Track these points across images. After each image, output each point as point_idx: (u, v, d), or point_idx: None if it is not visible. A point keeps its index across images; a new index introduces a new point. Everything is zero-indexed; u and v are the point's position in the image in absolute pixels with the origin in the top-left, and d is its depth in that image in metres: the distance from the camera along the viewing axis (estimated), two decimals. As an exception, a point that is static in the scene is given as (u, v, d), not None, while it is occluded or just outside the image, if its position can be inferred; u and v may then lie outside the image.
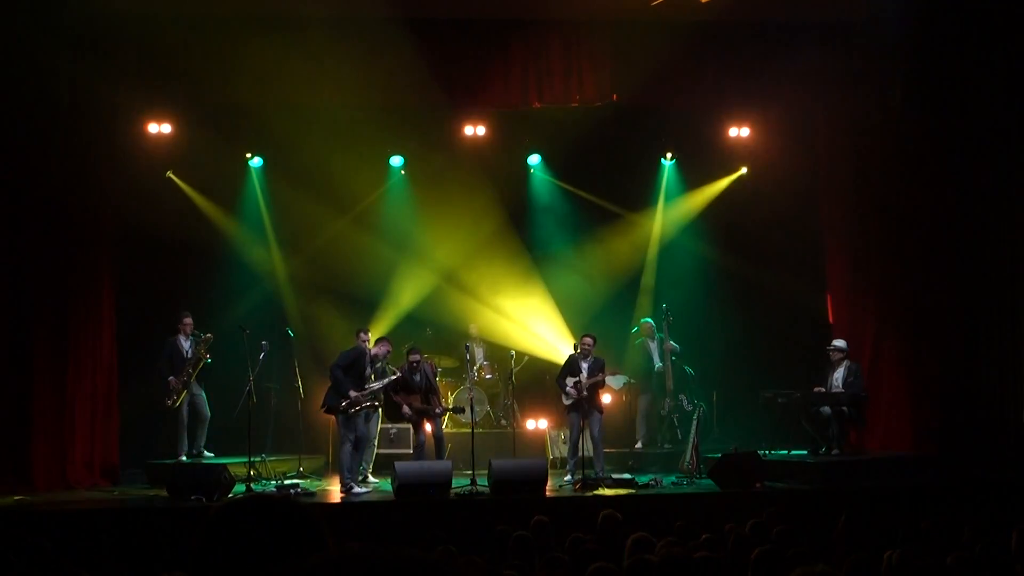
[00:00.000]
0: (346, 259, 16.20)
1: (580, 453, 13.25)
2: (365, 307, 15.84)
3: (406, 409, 13.16)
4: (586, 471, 12.94)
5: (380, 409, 13.60)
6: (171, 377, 14.07)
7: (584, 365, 13.53)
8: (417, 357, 13.50)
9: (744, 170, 16.47)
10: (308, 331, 15.55)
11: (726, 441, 14.64)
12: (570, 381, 13.47)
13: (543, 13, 14.23)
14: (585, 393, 13.35)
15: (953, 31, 14.19)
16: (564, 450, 14.64)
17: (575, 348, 13.75)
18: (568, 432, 13.82)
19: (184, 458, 13.71)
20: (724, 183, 16.57)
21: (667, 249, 16.73)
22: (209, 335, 14.16)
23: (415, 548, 7.92)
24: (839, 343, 14.36)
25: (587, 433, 13.38)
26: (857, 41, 14.79)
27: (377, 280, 16.29)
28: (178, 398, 13.99)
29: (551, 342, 16.25)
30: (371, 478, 13.53)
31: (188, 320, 14.41)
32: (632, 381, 15.33)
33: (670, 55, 14.32)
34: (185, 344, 14.31)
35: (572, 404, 13.47)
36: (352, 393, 12.82)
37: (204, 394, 14.41)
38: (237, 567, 1.91)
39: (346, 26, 14.05)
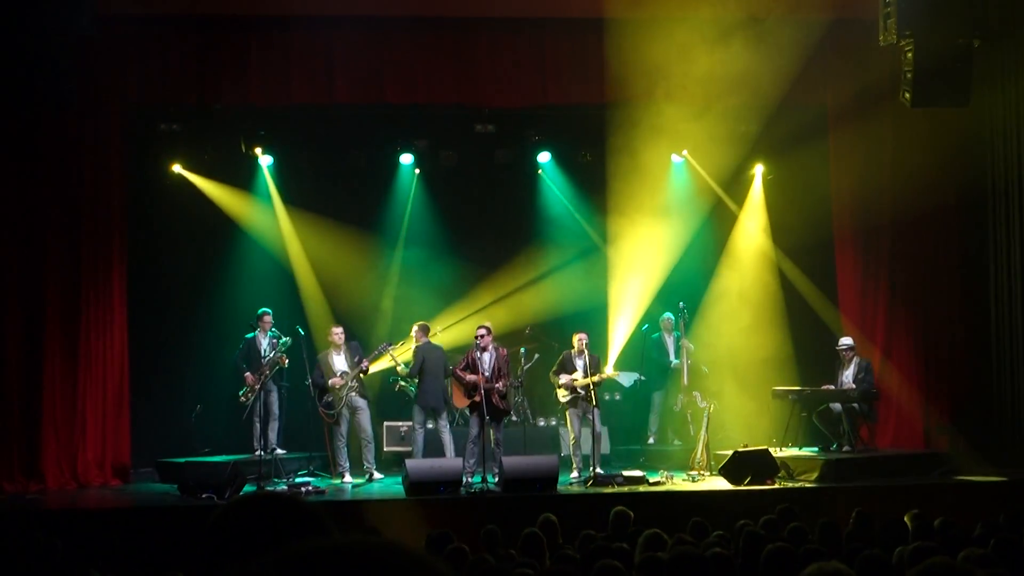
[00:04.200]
0: (356, 257, 16.22)
1: (583, 449, 13.28)
2: (373, 306, 15.84)
3: (471, 378, 13.08)
4: (579, 471, 13.02)
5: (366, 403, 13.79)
6: (248, 374, 14.06)
7: (580, 363, 13.54)
8: (483, 332, 13.46)
9: (761, 167, 16.44)
10: (318, 328, 15.52)
11: (737, 438, 14.63)
12: (564, 378, 13.50)
13: (553, 11, 14.20)
14: (582, 392, 13.37)
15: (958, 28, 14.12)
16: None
17: (585, 347, 13.73)
18: (569, 429, 13.77)
19: (260, 453, 13.68)
20: (752, 186, 16.55)
21: (679, 246, 16.66)
22: (287, 339, 14.14)
23: (423, 545, 7.91)
24: (846, 341, 14.31)
25: (588, 429, 13.39)
26: (867, 37, 14.73)
27: (387, 279, 16.29)
28: (252, 395, 13.96)
29: (563, 339, 16.21)
30: (376, 474, 13.52)
31: (268, 318, 14.40)
32: (643, 378, 15.30)
33: (678, 52, 14.29)
34: (264, 341, 14.27)
35: (571, 400, 13.48)
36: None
37: (278, 393, 14.49)
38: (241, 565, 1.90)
39: (355, 24, 14.07)
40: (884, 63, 14.43)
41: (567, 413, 13.67)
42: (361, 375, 13.69)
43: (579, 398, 13.43)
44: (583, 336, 13.82)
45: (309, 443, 14.56)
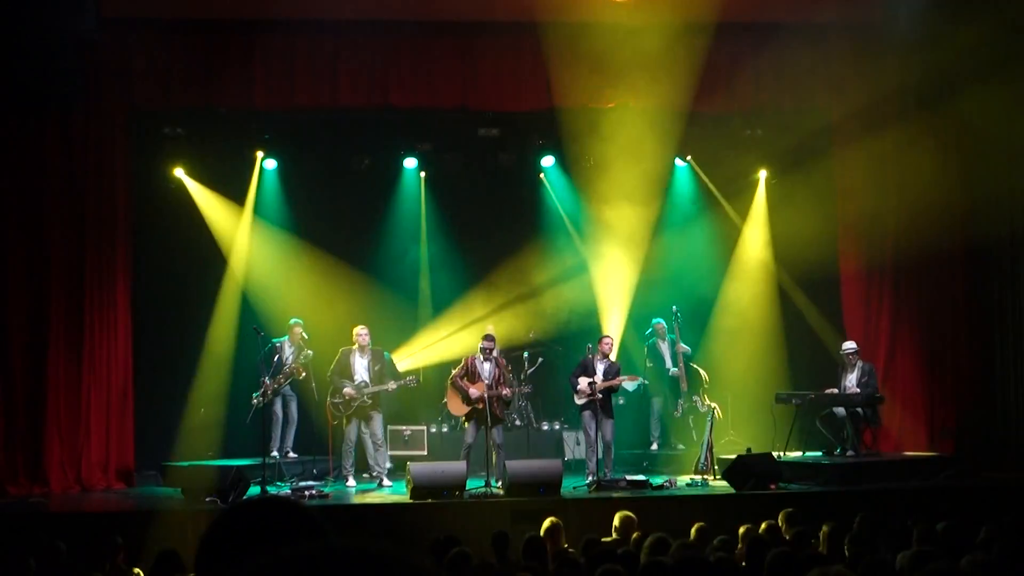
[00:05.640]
0: (359, 261, 16.23)
1: (598, 454, 13.19)
2: (379, 308, 15.84)
3: (474, 391, 13.03)
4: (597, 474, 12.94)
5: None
6: (266, 379, 14.05)
7: (600, 367, 13.48)
8: (491, 345, 13.41)
9: (764, 172, 16.45)
10: (321, 333, 15.51)
11: (740, 443, 14.64)
12: (583, 381, 13.39)
13: (556, 15, 14.20)
14: (599, 396, 13.29)
15: (967, 30, 14.13)
16: (579, 452, 14.63)
17: (588, 351, 13.74)
18: (583, 433, 13.71)
19: (276, 454, 13.63)
20: (756, 191, 16.56)
21: (680, 250, 16.68)
22: (310, 352, 14.12)
23: (426, 549, 7.91)
24: (849, 345, 14.30)
25: (599, 436, 13.31)
26: (870, 41, 14.74)
27: (392, 282, 16.29)
28: (263, 400, 13.91)
29: (565, 343, 16.21)
30: (386, 481, 13.48)
31: (298, 329, 14.36)
32: (647, 383, 15.29)
33: (682, 56, 14.31)
34: (288, 350, 14.21)
35: (585, 404, 13.36)
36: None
37: (296, 399, 14.53)
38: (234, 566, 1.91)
39: (358, 28, 14.10)
40: (890, 72, 14.47)
41: (581, 415, 13.54)
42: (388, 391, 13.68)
43: (595, 402, 13.32)
44: (610, 339, 13.79)
45: (313, 447, 14.57)
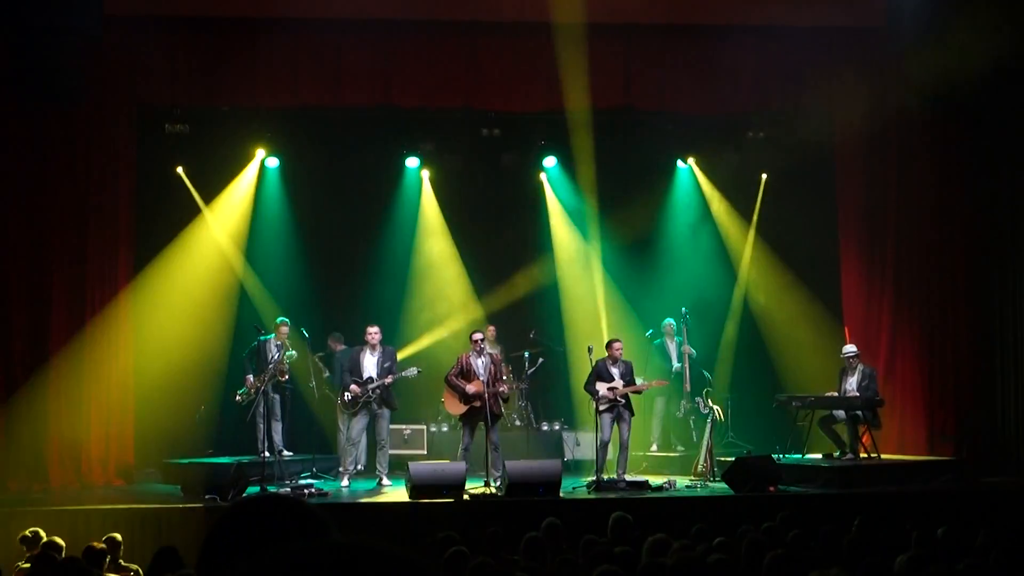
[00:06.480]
0: (361, 260, 16.25)
1: (607, 455, 13.15)
2: (380, 309, 15.85)
3: (472, 388, 13.00)
4: (604, 474, 12.91)
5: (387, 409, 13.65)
6: (249, 376, 14.07)
7: (616, 371, 13.41)
8: (480, 336, 13.42)
9: (766, 175, 16.45)
10: (321, 331, 15.52)
11: (740, 444, 14.64)
12: (602, 387, 13.24)
13: (556, 16, 14.21)
14: (623, 400, 13.26)
15: (969, 36, 14.13)
16: (579, 452, 14.60)
17: (589, 352, 13.66)
18: (596, 433, 13.53)
19: (267, 455, 13.63)
20: (758, 194, 16.56)
21: (682, 251, 16.70)
22: (293, 352, 14.16)
23: (425, 549, 7.93)
24: (850, 348, 14.29)
25: (617, 436, 13.28)
26: (873, 46, 14.74)
27: (393, 283, 16.29)
28: (247, 398, 13.96)
29: (566, 344, 16.21)
30: (385, 479, 13.47)
31: (284, 329, 14.32)
32: (652, 383, 15.27)
33: (684, 58, 14.31)
34: (273, 349, 14.20)
35: (607, 408, 13.22)
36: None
37: (282, 396, 14.47)
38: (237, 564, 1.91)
39: (362, 27, 14.11)
40: (893, 74, 14.48)
41: (599, 417, 13.23)
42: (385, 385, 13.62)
43: (617, 405, 13.28)
44: (620, 344, 13.72)
45: (313, 445, 14.57)
